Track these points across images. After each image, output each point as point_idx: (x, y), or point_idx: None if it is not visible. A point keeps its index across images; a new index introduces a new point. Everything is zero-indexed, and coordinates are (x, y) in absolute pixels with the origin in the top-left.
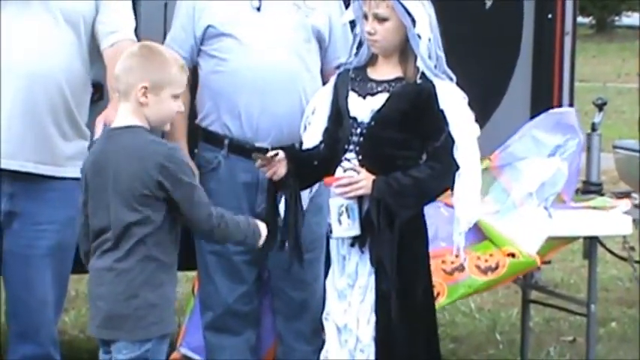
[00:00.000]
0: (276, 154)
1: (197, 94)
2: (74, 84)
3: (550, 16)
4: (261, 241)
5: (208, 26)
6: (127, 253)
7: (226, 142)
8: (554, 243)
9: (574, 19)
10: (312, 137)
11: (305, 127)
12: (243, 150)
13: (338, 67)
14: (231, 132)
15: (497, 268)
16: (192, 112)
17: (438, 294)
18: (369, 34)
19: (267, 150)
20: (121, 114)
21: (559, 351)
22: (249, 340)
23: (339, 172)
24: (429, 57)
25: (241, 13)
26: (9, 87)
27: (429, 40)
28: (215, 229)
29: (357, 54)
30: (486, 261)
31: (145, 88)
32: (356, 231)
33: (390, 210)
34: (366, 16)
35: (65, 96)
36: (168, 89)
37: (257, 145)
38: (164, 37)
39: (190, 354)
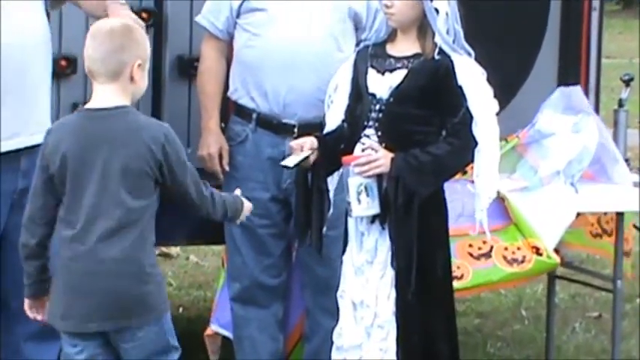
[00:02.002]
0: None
1: (231, 67)
2: (49, 52)
3: None
4: (242, 217)
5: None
6: (134, 237)
7: (254, 116)
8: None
9: None
10: (334, 116)
11: (328, 106)
12: (270, 125)
13: (357, 44)
14: (259, 107)
15: (523, 262)
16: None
17: (462, 275)
18: (386, 7)
19: (294, 126)
20: (103, 95)
21: (585, 327)
22: (276, 313)
23: (357, 150)
24: (447, 32)
25: None
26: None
27: (447, 14)
28: (204, 204)
29: (376, 30)
30: (513, 253)
31: (139, 65)
32: (375, 209)
33: (408, 188)
34: None
35: (48, 64)
36: (147, 64)
37: (284, 121)
38: (190, 32)
39: (221, 330)
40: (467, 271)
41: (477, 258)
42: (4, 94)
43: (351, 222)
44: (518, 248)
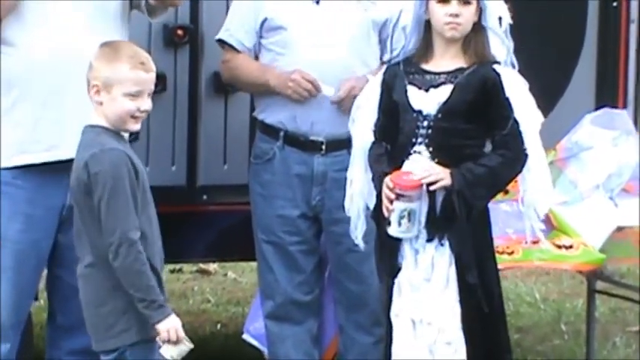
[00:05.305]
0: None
1: None
2: None
3: (615, 3)
4: (164, 334)
5: (265, 19)
6: (94, 259)
7: (281, 134)
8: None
9: None
10: (361, 133)
11: (353, 121)
12: (298, 142)
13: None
14: (286, 125)
15: (571, 247)
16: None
17: (513, 252)
18: (454, 16)
19: (322, 143)
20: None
21: (625, 341)
22: (310, 329)
23: (405, 166)
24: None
25: (299, 7)
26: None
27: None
28: (117, 248)
29: (403, 47)
30: (560, 240)
31: (96, 86)
32: (412, 234)
33: (468, 201)
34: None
35: None
36: (119, 88)
37: (312, 138)
38: None
39: (252, 340)
40: (517, 250)
41: (526, 243)
42: (45, 109)
43: (405, 241)
44: (565, 239)
